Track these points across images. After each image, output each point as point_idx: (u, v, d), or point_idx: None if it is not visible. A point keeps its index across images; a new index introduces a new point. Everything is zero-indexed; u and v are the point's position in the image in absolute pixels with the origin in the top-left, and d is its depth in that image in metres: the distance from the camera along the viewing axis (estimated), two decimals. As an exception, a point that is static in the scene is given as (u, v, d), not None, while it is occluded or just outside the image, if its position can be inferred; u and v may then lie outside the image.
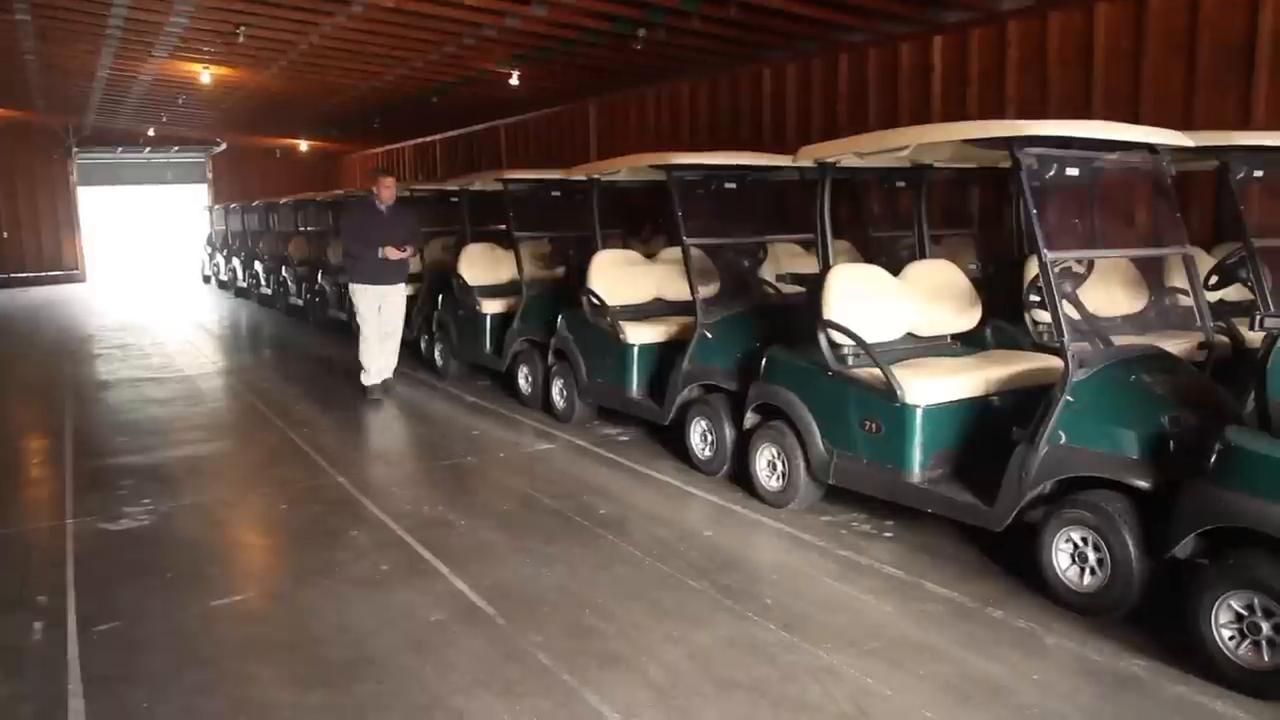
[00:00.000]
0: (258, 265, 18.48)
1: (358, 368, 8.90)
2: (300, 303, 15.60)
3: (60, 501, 5.91)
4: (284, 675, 3.67)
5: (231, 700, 3.48)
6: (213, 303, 19.63)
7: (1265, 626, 3.31)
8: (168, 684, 3.60)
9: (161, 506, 5.74)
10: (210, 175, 28.97)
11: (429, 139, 21.45)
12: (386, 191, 8.64)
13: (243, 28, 10.81)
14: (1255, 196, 6.39)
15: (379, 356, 8.79)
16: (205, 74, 14.06)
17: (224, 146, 27.30)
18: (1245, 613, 3.37)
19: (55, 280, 24.75)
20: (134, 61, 13.61)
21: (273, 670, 3.72)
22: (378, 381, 8.84)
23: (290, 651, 3.88)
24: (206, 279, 24.30)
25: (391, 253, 8.38)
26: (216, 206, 24.20)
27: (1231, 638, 3.41)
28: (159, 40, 11.90)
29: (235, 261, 20.70)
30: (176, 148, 27.35)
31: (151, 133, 23.30)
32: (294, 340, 13.64)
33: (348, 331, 12.93)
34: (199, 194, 28.68)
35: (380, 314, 8.69)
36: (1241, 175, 5.41)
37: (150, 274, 26.53)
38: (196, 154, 28.34)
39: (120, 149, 26.42)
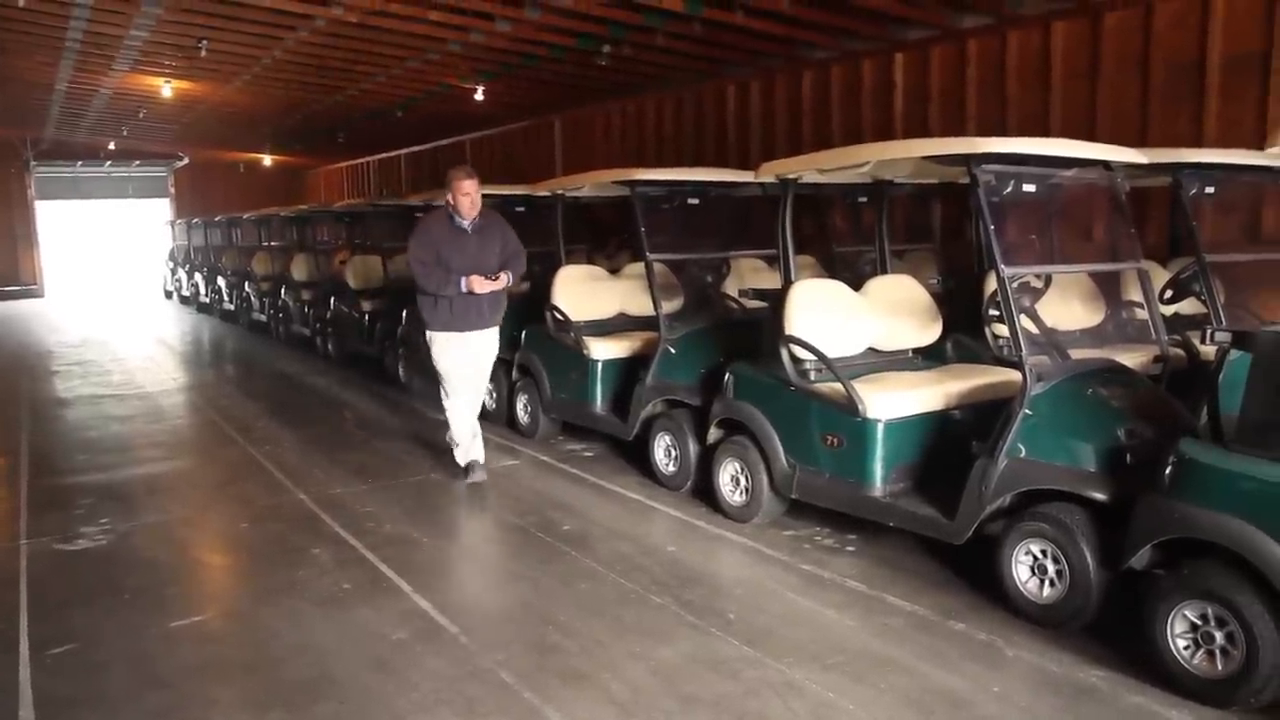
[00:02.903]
0: (220, 281, 18.32)
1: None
2: (264, 318, 15.50)
3: (14, 521, 5.80)
4: (244, 697, 3.63)
5: (189, 723, 3.44)
6: (175, 318, 19.41)
7: (1219, 636, 3.36)
8: (124, 707, 3.54)
9: (120, 526, 5.65)
10: (172, 190, 28.74)
11: (393, 154, 21.41)
12: (467, 201, 6.05)
13: (204, 41, 10.75)
14: (1208, 212, 6.51)
15: (470, 422, 6.52)
16: (167, 87, 13.96)
17: (186, 161, 27.10)
18: (1199, 622, 3.41)
19: (12, 295, 24.34)
20: (94, 74, 13.48)
21: (232, 691, 3.67)
22: (479, 459, 6.52)
23: (250, 672, 3.83)
24: (168, 294, 24.03)
25: (479, 283, 6.02)
26: (179, 221, 23.97)
27: (1187, 647, 3.46)
28: (119, 53, 11.80)
29: (198, 277, 20.51)
30: (138, 162, 27.13)
31: (112, 146, 23.07)
32: (257, 356, 13.50)
33: (311, 348, 12.89)
34: (161, 209, 28.41)
35: (467, 367, 6.37)
36: (1194, 191, 5.50)
37: (111, 289, 26.19)
38: (158, 168, 28.09)
39: (80, 163, 26.16)
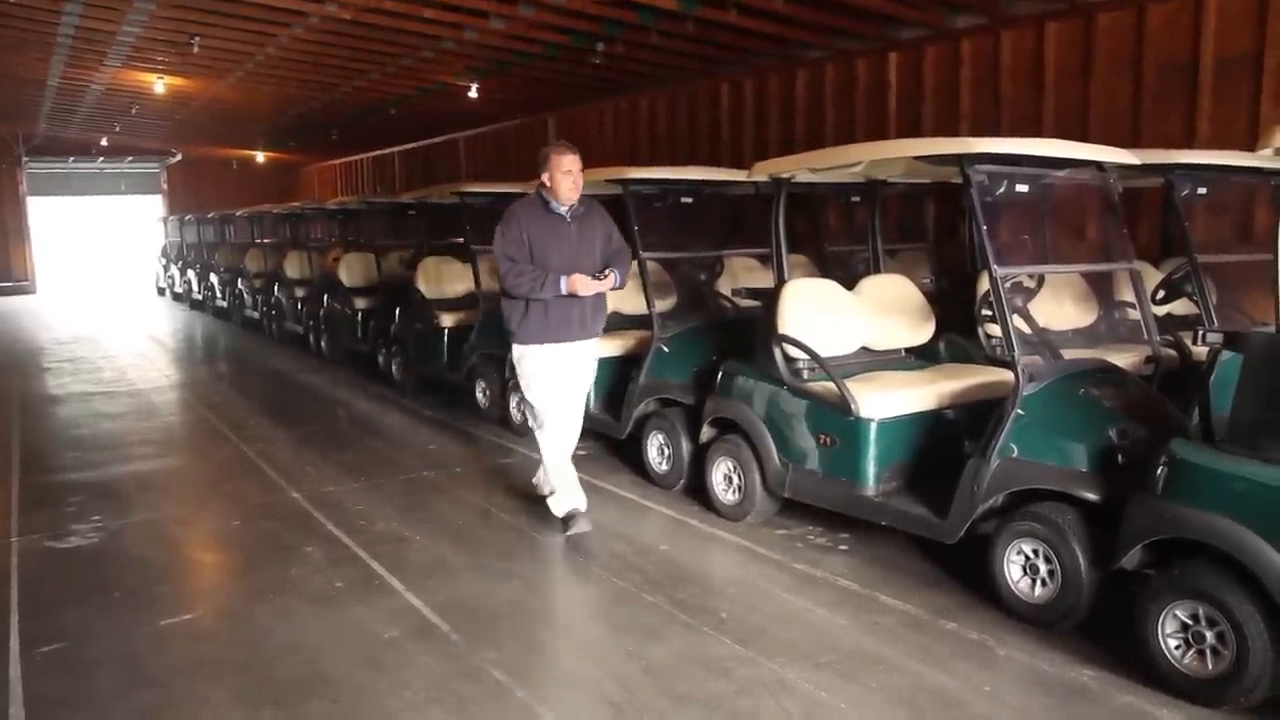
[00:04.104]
0: (213, 277, 18.29)
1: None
2: (256, 315, 15.47)
3: (5, 519, 5.78)
4: (235, 695, 3.62)
5: (180, 721, 3.43)
6: (167, 315, 19.36)
7: (1209, 635, 3.37)
8: (115, 706, 3.53)
9: (111, 524, 5.64)
10: (165, 186, 28.64)
11: (387, 151, 21.37)
12: (569, 182, 5.03)
13: (197, 38, 10.72)
14: (1200, 213, 6.53)
15: (568, 452, 5.43)
16: (159, 84, 13.92)
17: (179, 157, 27.03)
18: (1190, 622, 3.42)
19: (4, 292, 24.25)
20: (86, 70, 13.44)
21: (224, 690, 3.66)
22: (580, 506, 5.30)
23: (242, 671, 3.82)
24: (161, 291, 23.98)
25: (584, 284, 4.99)
26: (171, 218, 23.93)
27: (1177, 646, 3.47)
28: (111, 49, 11.76)
29: (190, 274, 20.46)
30: (130, 158, 27.05)
31: (105, 142, 23.01)
32: (249, 354, 13.48)
33: (304, 345, 12.86)
34: (154, 205, 28.32)
35: (563, 389, 5.28)
36: (1186, 192, 5.52)
37: (103, 286, 26.11)
38: (151, 164, 28.01)
39: (72, 159, 26.07)
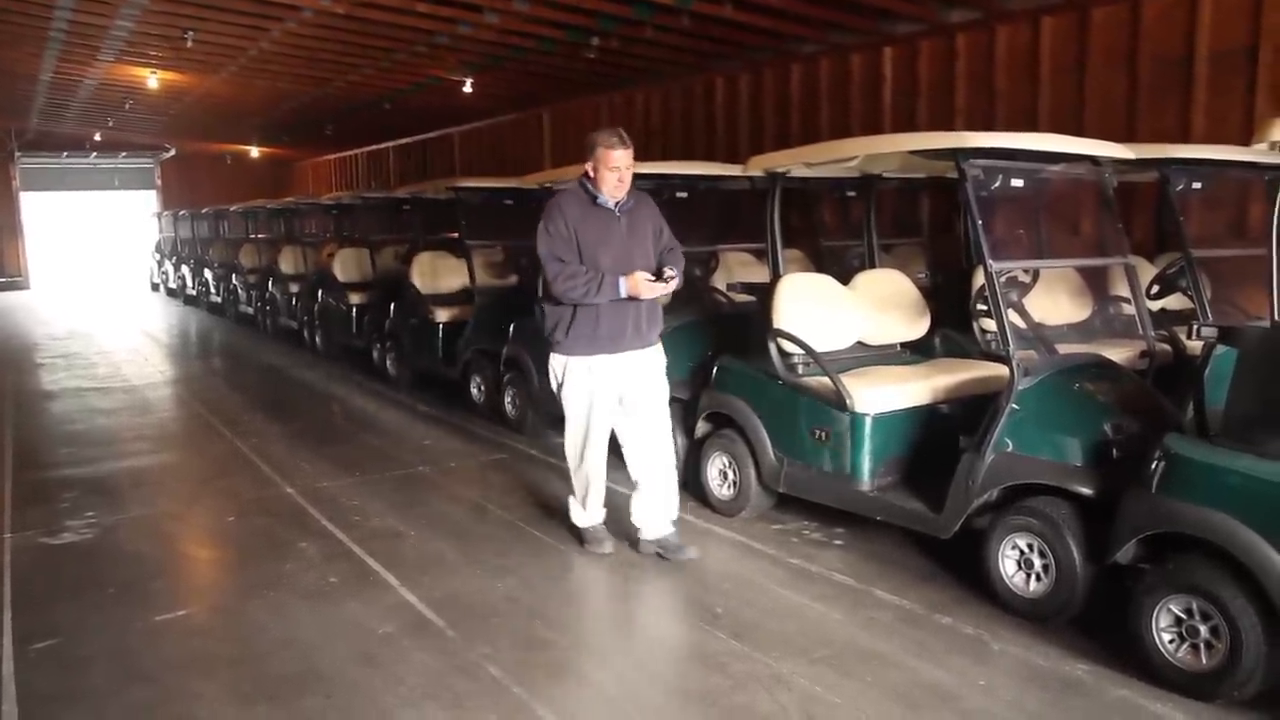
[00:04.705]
0: (207, 273, 18.25)
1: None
2: (251, 311, 15.44)
3: (-1, 515, 5.78)
4: (229, 691, 3.61)
5: (175, 718, 3.42)
6: (161, 311, 19.32)
7: (1203, 629, 3.37)
8: (109, 702, 3.53)
9: (105, 520, 5.62)
10: (159, 181, 28.58)
11: (382, 146, 21.32)
12: (614, 179, 4.52)
13: (191, 32, 10.68)
14: (1195, 207, 6.53)
15: (602, 479, 4.98)
16: (153, 78, 13.86)
17: (173, 152, 26.95)
18: (1184, 616, 3.42)
19: (-3, 287, 24.25)
20: (78, 65, 13.39)
21: (217, 686, 3.65)
22: (596, 521, 5.03)
23: (236, 666, 3.81)
24: (155, 286, 23.93)
25: (646, 286, 4.48)
26: (165, 213, 23.87)
27: (1171, 641, 3.47)
28: (104, 44, 11.72)
29: (184, 269, 20.42)
30: (124, 153, 26.98)
31: (98, 137, 22.90)
32: (244, 349, 13.45)
33: (298, 341, 12.84)
34: (147, 200, 28.25)
35: (616, 407, 4.78)
36: (1181, 187, 5.52)
37: (97, 281, 26.05)
38: (145, 159, 27.94)
39: (65, 154, 26.00)
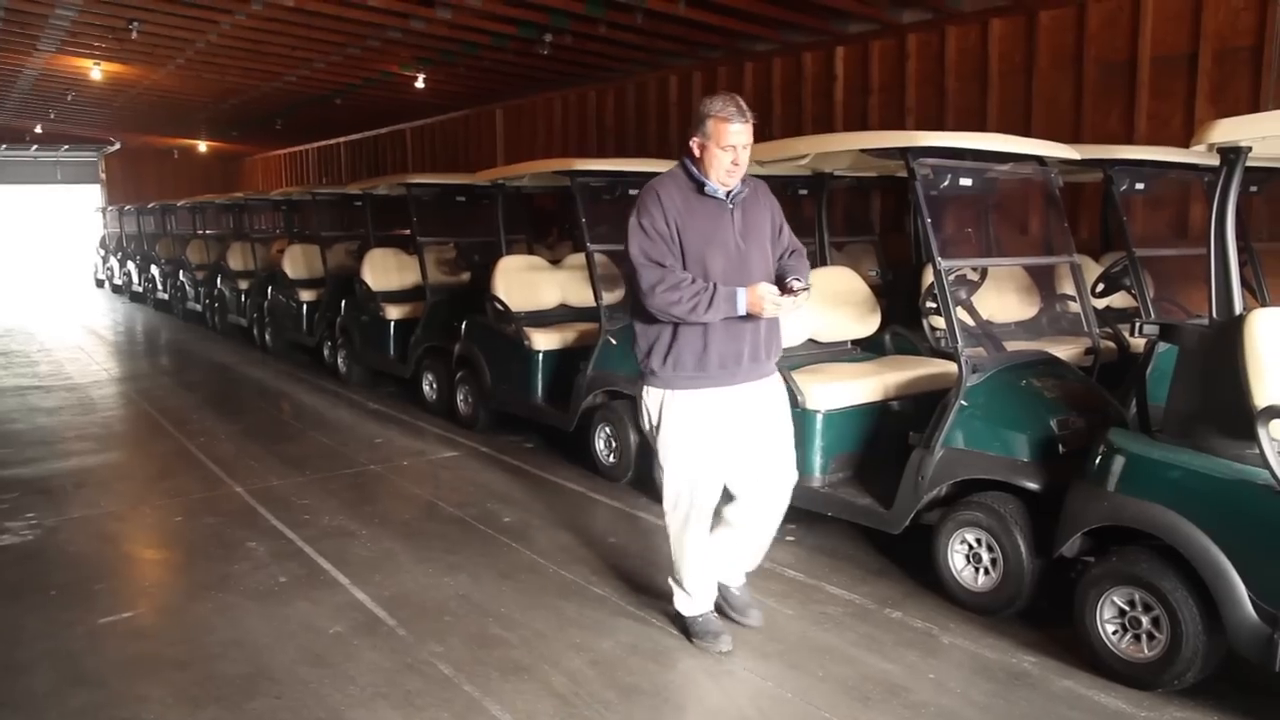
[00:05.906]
0: (154, 269, 17.95)
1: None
2: (199, 308, 15.23)
3: (-65, 516, 5.63)
4: (176, 693, 3.54)
5: (118, 721, 3.36)
6: (106, 308, 18.95)
7: (1145, 620, 3.44)
8: (50, 706, 3.45)
9: (46, 521, 5.50)
10: (103, 175, 28.03)
11: (333, 141, 21.08)
12: (725, 163, 3.54)
13: (135, 23, 10.44)
14: (1138, 207, 6.67)
15: (712, 551, 3.86)
16: (96, 70, 13.56)
17: (118, 146, 26.42)
18: (1127, 608, 3.50)
19: (-68, 284, 23.62)
20: (17, 55, 13.04)
21: (164, 688, 3.59)
22: (707, 608, 3.90)
23: (183, 669, 3.74)
24: (100, 283, 23.49)
25: (770, 303, 3.47)
26: (110, 208, 23.42)
27: (1115, 632, 3.54)
28: (44, 33, 11.42)
29: (130, 265, 20.06)
30: (66, 146, 26.43)
31: (39, 130, 22.36)
32: (191, 346, 13.24)
33: (247, 338, 12.66)
34: (92, 194, 27.69)
35: (729, 452, 3.70)
36: (1125, 187, 5.63)
37: (39, 277, 25.48)
38: (89, 153, 27.40)
39: (4, 146, 25.41)
